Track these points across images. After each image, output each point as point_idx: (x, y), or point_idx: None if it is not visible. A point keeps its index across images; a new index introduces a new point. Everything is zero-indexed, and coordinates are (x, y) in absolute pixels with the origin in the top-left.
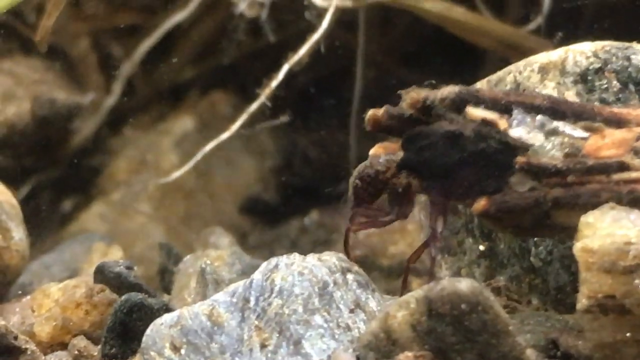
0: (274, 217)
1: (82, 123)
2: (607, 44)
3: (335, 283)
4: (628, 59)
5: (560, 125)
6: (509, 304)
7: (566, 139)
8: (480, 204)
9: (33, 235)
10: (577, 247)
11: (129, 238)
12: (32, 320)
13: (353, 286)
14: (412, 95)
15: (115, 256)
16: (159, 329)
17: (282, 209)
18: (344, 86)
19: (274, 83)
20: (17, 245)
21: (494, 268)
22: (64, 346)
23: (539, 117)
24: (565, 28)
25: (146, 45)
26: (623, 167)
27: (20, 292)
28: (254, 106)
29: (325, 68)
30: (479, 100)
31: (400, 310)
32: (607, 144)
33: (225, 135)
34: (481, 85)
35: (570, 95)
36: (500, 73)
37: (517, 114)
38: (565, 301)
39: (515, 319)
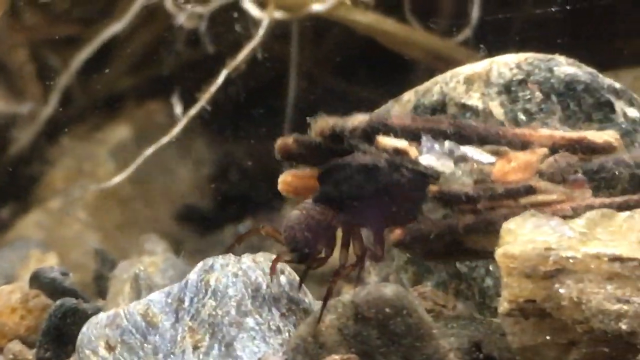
0: (209, 224)
1: (19, 132)
2: (530, 55)
3: (268, 286)
4: (550, 70)
5: (467, 151)
6: (435, 309)
7: (475, 166)
8: (396, 233)
9: None
10: (499, 252)
11: (65, 245)
12: None
13: (286, 288)
14: (321, 124)
15: (51, 263)
16: (95, 327)
17: (217, 216)
18: (278, 96)
19: (213, 88)
20: None
21: (421, 274)
22: None
23: (447, 143)
24: (494, 40)
25: (83, 55)
26: (530, 190)
27: None
28: (193, 111)
29: (260, 78)
30: (388, 129)
31: (328, 314)
32: (513, 168)
33: (164, 140)
34: (408, 96)
35: (495, 106)
36: (427, 84)
37: (426, 141)
38: (490, 306)
39: (440, 322)
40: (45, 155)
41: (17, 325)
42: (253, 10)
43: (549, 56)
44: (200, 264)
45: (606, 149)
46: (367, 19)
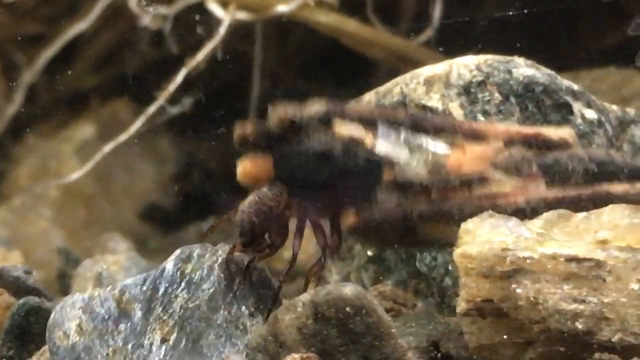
0: (171, 223)
1: None
2: (490, 57)
3: (240, 282)
4: (509, 72)
5: (423, 141)
6: (394, 308)
7: (429, 156)
8: (349, 219)
9: None
10: (457, 253)
11: (29, 243)
12: None
13: (257, 285)
14: (279, 112)
15: (14, 261)
16: (69, 309)
17: (180, 215)
18: (241, 96)
19: (172, 87)
20: None
21: (382, 273)
22: None
23: (403, 133)
24: (455, 41)
25: (48, 53)
26: (483, 181)
27: None
28: (152, 108)
29: (223, 78)
30: (345, 117)
31: (288, 313)
32: (468, 159)
33: (123, 137)
34: (369, 96)
35: (454, 107)
36: (388, 85)
37: (382, 130)
38: (449, 304)
39: (399, 322)
40: (9, 153)
41: None
42: (216, 10)
43: (508, 58)
44: (177, 252)
45: (561, 144)
46: (330, 19)
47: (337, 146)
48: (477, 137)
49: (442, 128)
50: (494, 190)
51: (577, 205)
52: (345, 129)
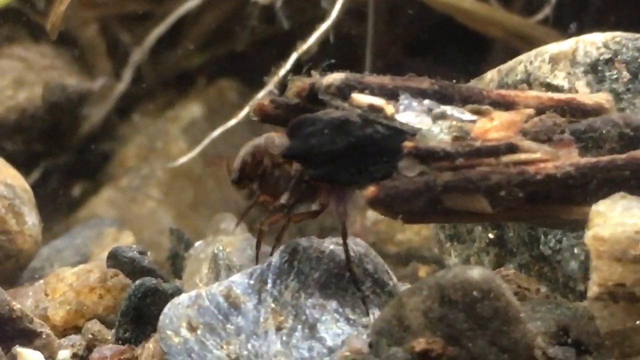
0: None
1: (91, 109)
2: (618, 34)
3: (350, 269)
4: (638, 49)
5: (447, 109)
6: (519, 292)
7: (454, 123)
8: (370, 190)
9: (43, 220)
10: (588, 235)
11: (138, 223)
12: (46, 304)
13: (369, 271)
14: (298, 84)
15: (126, 241)
16: (177, 308)
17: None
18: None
19: (282, 71)
20: (30, 230)
21: (503, 256)
22: (77, 330)
23: (426, 101)
24: (573, 19)
25: (157, 32)
26: (512, 148)
27: (35, 276)
28: (261, 93)
29: (334, 57)
30: (365, 87)
31: (413, 297)
32: (495, 126)
33: (232, 122)
34: (491, 74)
35: (581, 86)
36: (511, 63)
37: (403, 99)
38: (574, 289)
39: (526, 306)
40: (117, 132)
41: (95, 304)
42: None
43: (637, 35)
44: (283, 246)
45: (596, 110)
46: None
47: (354, 114)
48: (506, 104)
49: (469, 96)
50: (523, 157)
51: (611, 172)
52: (363, 97)
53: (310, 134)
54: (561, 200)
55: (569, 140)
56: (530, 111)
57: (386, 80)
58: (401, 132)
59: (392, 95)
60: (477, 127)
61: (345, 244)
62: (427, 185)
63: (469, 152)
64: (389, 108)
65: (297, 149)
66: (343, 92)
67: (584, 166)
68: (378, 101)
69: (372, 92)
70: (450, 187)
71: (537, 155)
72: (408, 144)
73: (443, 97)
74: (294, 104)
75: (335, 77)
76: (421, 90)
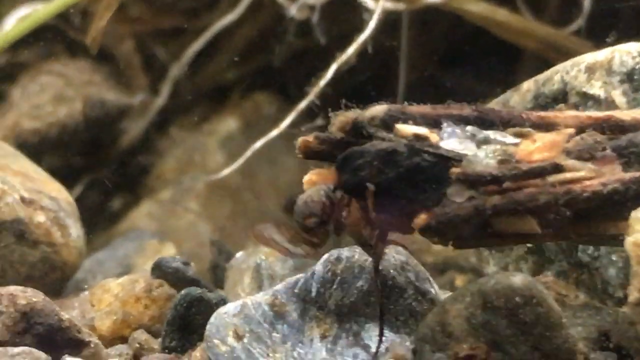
0: None
1: (130, 124)
2: None
3: (393, 278)
4: None
5: (490, 133)
6: (558, 299)
7: (498, 147)
8: (421, 218)
9: (84, 233)
10: (629, 241)
11: (177, 236)
12: (92, 315)
13: (411, 279)
14: (341, 118)
15: (168, 253)
16: (222, 317)
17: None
18: (387, 88)
19: (323, 82)
20: (74, 242)
21: (541, 264)
22: (123, 340)
23: (469, 127)
24: (605, 29)
25: (195, 47)
26: (557, 168)
27: (78, 287)
28: (303, 104)
29: (369, 70)
30: (407, 117)
31: (456, 303)
32: (538, 148)
33: (274, 133)
34: (528, 85)
35: (617, 95)
36: (547, 73)
37: (446, 126)
38: (613, 296)
39: (567, 312)
40: (155, 146)
41: (141, 314)
42: (366, 0)
43: None
44: (325, 256)
45: (634, 125)
46: (480, 8)
47: (401, 145)
48: (546, 126)
49: (509, 120)
50: (569, 176)
51: None
52: (408, 127)
53: (360, 167)
54: (609, 216)
55: (611, 157)
56: (571, 131)
57: (427, 109)
58: (447, 159)
59: (434, 123)
60: (521, 150)
61: (376, 274)
62: (477, 209)
63: (516, 174)
64: (433, 136)
65: (347, 182)
66: (386, 123)
67: (629, 181)
68: (422, 130)
69: (415, 122)
70: (499, 210)
71: (582, 174)
72: (455, 170)
73: (484, 122)
74: (338, 138)
75: (378, 110)
76: (463, 117)
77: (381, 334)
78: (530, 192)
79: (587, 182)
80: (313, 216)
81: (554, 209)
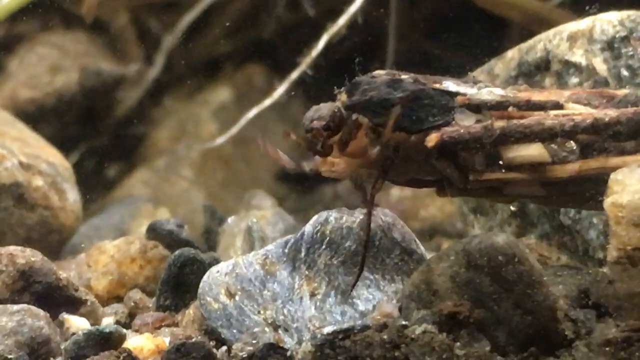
0: (307, 184)
1: (125, 93)
2: (633, 13)
3: (380, 238)
4: None
5: (490, 87)
6: (540, 260)
7: (498, 90)
8: (433, 136)
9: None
10: (608, 202)
11: (171, 202)
12: (89, 275)
13: (397, 239)
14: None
15: (163, 217)
16: (215, 276)
17: (316, 176)
18: (376, 60)
19: (314, 52)
20: (71, 205)
21: (525, 227)
22: (119, 299)
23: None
24: (588, 2)
25: (188, 19)
26: (557, 105)
27: (73, 251)
28: (295, 74)
29: (359, 40)
30: None
31: (440, 262)
32: (539, 94)
33: (267, 102)
34: (512, 53)
35: (598, 62)
36: (530, 41)
37: (446, 81)
38: (593, 257)
39: (548, 271)
40: (150, 116)
41: (136, 274)
42: None
43: None
44: (315, 217)
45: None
46: None
47: (404, 77)
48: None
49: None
50: (569, 111)
51: None
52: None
53: (368, 89)
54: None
55: (608, 105)
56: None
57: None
58: (450, 93)
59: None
60: (522, 94)
61: (369, 215)
62: (486, 128)
63: (519, 102)
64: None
65: (358, 101)
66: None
67: (633, 113)
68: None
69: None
70: (508, 133)
71: (582, 110)
72: (460, 98)
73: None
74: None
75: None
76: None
77: (361, 270)
78: (536, 119)
79: (587, 116)
80: (322, 119)
81: (560, 133)
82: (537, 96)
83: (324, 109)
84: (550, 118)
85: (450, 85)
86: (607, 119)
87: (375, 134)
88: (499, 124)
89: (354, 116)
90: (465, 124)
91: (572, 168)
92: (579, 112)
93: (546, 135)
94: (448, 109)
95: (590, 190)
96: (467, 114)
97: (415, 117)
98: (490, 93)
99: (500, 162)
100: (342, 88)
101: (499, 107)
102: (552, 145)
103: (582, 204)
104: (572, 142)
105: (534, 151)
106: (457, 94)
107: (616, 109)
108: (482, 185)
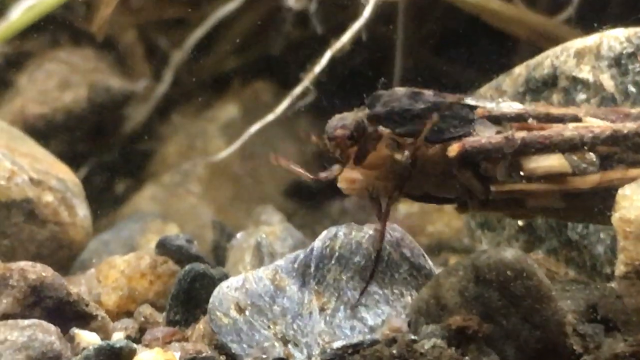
0: (315, 200)
1: (134, 110)
2: None
3: (389, 253)
4: None
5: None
6: (548, 275)
7: (517, 103)
8: (454, 146)
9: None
10: (615, 217)
11: (180, 218)
12: (99, 290)
13: (406, 255)
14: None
15: (172, 233)
16: (225, 291)
17: (324, 192)
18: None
19: (318, 68)
20: (81, 221)
21: (532, 242)
22: (129, 314)
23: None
24: (595, 18)
25: (196, 36)
26: (576, 119)
27: (83, 266)
28: (298, 89)
29: (365, 57)
30: None
31: (449, 277)
32: (557, 109)
33: (270, 117)
34: (519, 70)
35: (605, 79)
36: (538, 58)
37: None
38: (601, 272)
39: (556, 286)
40: (158, 132)
41: (146, 290)
42: None
43: None
44: (324, 233)
45: None
46: None
47: (425, 91)
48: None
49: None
50: (587, 124)
51: None
52: None
53: (390, 100)
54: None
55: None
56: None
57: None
58: (470, 106)
59: None
60: (541, 107)
61: (383, 227)
62: (507, 139)
63: (538, 115)
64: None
65: (380, 111)
66: None
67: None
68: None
69: None
70: (528, 143)
71: (600, 123)
72: (480, 110)
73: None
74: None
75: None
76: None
77: (371, 277)
78: (557, 130)
79: (605, 127)
80: (346, 128)
81: (580, 144)
82: (555, 110)
83: (348, 118)
84: (570, 129)
85: (469, 100)
86: (625, 131)
87: (397, 144)
88: (520, 134)
89: (373, 128)
90: (486, 135)
91: (592, 179)
92: (597, 125)
93: (566, 146)
94: (468, 121)
95: (608, 203)
96: (487, 125)
97: (436, 128)
98: (509, 107)
99: (522, 173)
100: (364, 100)
101: (519, 119)
102: (573, 157)
103: (600, 219)
104: (592, 153)
105: (554, 162)
106: (476, 106)
107: (634, 122)
108: (503, 197)
